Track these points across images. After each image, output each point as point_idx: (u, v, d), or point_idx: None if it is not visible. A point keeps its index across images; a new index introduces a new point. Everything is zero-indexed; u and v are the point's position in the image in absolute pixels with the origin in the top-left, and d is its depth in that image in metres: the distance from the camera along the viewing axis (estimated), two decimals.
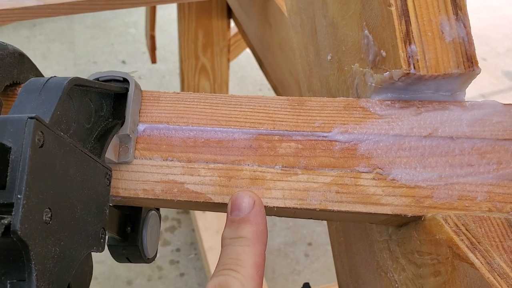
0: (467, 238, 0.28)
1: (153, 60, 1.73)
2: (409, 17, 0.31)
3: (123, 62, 2.77)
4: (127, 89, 0.33)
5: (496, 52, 2.48)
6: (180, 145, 0.33)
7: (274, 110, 0.34)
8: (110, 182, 0.31)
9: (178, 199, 0.32)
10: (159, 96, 0.35)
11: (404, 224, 0.32)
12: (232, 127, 0.33)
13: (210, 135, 0.33)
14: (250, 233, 0.28)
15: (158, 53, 2.99)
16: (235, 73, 2.39)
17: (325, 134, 0.33)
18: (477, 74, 0.32)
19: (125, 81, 0.34)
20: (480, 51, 2.60)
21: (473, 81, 0.32)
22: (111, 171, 0.31)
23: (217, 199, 0.32)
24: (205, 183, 0.32)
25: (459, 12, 0.32)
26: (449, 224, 0.29)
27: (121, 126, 0.32)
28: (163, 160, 0.33)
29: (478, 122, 0.32)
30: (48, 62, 2.44)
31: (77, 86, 0.29)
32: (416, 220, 0.31)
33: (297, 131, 0.33)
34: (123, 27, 3.07)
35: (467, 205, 0.30)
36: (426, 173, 0.31)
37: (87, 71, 2.44)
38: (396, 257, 0.34)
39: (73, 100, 0.29)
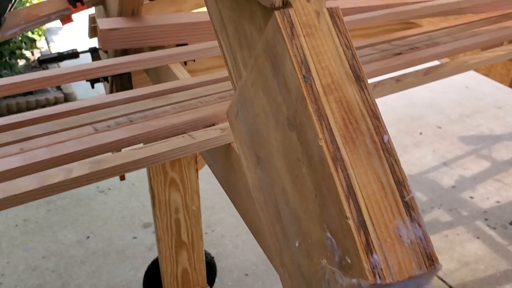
0: None
1: (121, 177, 1.73)
2: (366, 227, 0.33)
3: None
4: None
5: (450, 120, 2.60)
6: None
7: None
8: None
9: None
10: None
11: None
12: None
13: None
14: None
15: None
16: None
17: None
18: (439, 270, 0.33)
19: None
20: (435, 120, 2.73)
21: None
22: None
23: None
24: None
25: (412, 212, 0.34)
26: None
27: None
28: None
29: None
30: None
31: None
32: None
33: None
34: None
35: None
36: None
37: None
38: None
39: None
